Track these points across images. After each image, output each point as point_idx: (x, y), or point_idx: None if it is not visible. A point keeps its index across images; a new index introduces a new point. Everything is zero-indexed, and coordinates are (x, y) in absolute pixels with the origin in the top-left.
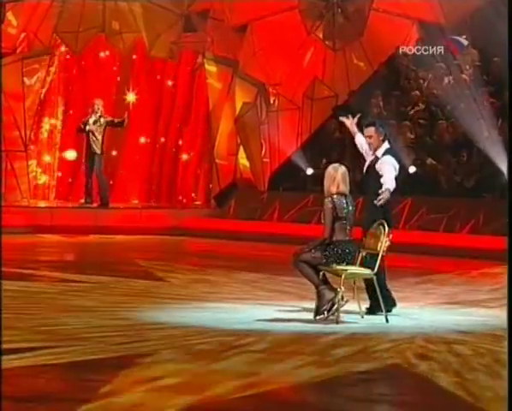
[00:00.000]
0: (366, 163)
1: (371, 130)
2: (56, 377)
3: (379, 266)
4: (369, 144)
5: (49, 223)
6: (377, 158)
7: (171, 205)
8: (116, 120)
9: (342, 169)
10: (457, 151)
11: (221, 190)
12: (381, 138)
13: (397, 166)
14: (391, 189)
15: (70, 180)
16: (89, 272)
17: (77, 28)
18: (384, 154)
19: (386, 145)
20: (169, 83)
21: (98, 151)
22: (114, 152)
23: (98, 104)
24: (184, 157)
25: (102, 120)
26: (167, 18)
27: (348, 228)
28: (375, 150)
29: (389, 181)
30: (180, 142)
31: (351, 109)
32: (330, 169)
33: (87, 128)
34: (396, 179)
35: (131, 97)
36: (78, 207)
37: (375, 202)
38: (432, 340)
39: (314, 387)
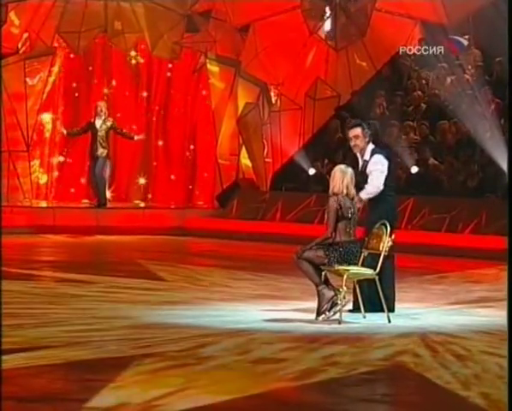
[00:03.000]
0: (359, 169)
1: (357, 130)
2: (57, 377)
3: (389, 266)
4: (354, 146)
5: (51, 223)
6: (366, 162)
7: (173, 204)
8: (125, 131)
9: (350, 170)
10: (460, 151)
11: (223, 190)
12: (366, 139)
13: (386, 164)
14: (369, 194)
15: (69, 180)
16: (91, 272)
17: (79, 28)
18: (371, 155)
19: (371, 145)
20: (172, 83)
21: (104, 155)
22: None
23: (102, 107)
24: (186, 156)
25: (108, 123)
26: (169, 18)
27: (353, 228)
28: (361, 152)
29: (373, 183)
30: (182, 142)
31: (353, 109)
32: (339, 171)
33: (92, 129)
34: (387, 177)
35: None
36: (80, 207)
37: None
38: (434, 340)
39: (316, 387)
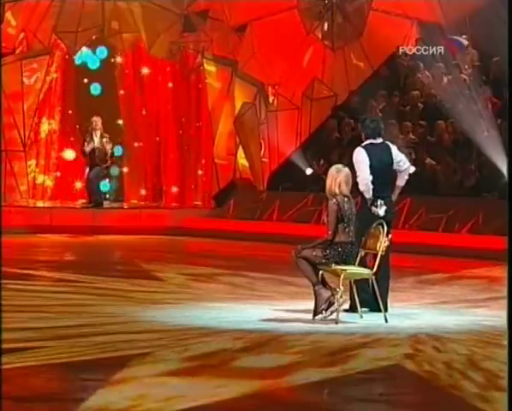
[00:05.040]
0: None
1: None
2: (56, 377)
3: (385, 266)
4: None
5: (48, 223)
6: None
7: (171, 204)
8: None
9: (346, 170)
10: (457, 150)
11: (220, 190)
12: (362, 137)
13: (366, 159)
14: (363, 191)
15: (66, 180)
16: (88, 272)
17: (76, 28)
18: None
19: (366, 142)
20: (169, 83)
21: (104, 165)
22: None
23: (97, 122)
24: (183, 156)
25: (105, 139)
26: (166, 18)
27: (351, 229)
28: None
29: (360, 183)
30: (179, 142)
31: (350, 109)
32: (333, 170)
33: (92, 146)
34: (379, 171)
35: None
36: (77, 207)
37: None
38: (431, 340)
39: (314, 387)
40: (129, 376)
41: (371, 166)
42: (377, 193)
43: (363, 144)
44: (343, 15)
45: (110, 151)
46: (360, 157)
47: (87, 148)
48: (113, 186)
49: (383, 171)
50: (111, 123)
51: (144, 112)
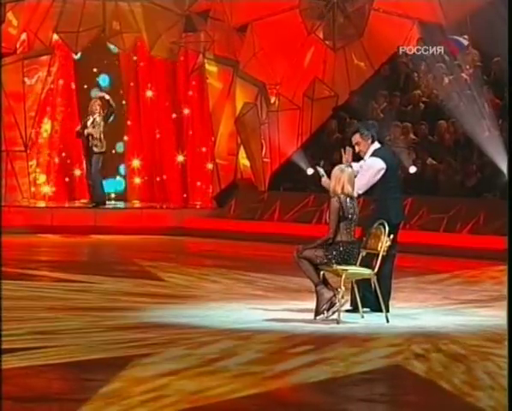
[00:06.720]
0: None
1: (356, 137)
2: (56, 377)
3: (388, 266)
4: (358, 152)
5: (49, 223)
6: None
7: (171, 204)
8: (108, 112)
9: (349, 170)
10: (458, 150)
11: (221, 190)
12: (369, 141)
13: (383, 165)
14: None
15: (68, 180)
16: (89, 272)
17: (77, 28)
18: (370, 156)
19: (375, 145)
20: (170, 83)
21: (97, 150)
22: (114, 152)
23: (96, 105)
24: (184, 156)
25: (98, 119)
26: (167, 18)
27: (353, 229)
28: (364, 155)
29: (356, 183)
30: (180, 142)
31: (352, 109)
32: (337, 170)
33: (86, 131)
34: (389, 178)
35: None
36: (78, 207)
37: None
38: (432, 340)
39: (314, 387)
40: (129, 376)
41: (387, 170)
42: (391, 195)
43: (372, 150)
44: (344, 15)
45: (100, 134)
46: (371, 170)
47: (81, 130)
48: (125, 182)
49: (396, 173)
50: (112, 123)
51: (144, 112)
